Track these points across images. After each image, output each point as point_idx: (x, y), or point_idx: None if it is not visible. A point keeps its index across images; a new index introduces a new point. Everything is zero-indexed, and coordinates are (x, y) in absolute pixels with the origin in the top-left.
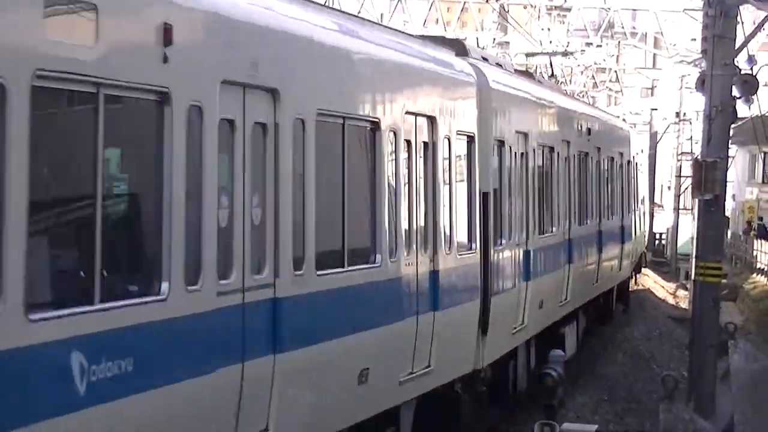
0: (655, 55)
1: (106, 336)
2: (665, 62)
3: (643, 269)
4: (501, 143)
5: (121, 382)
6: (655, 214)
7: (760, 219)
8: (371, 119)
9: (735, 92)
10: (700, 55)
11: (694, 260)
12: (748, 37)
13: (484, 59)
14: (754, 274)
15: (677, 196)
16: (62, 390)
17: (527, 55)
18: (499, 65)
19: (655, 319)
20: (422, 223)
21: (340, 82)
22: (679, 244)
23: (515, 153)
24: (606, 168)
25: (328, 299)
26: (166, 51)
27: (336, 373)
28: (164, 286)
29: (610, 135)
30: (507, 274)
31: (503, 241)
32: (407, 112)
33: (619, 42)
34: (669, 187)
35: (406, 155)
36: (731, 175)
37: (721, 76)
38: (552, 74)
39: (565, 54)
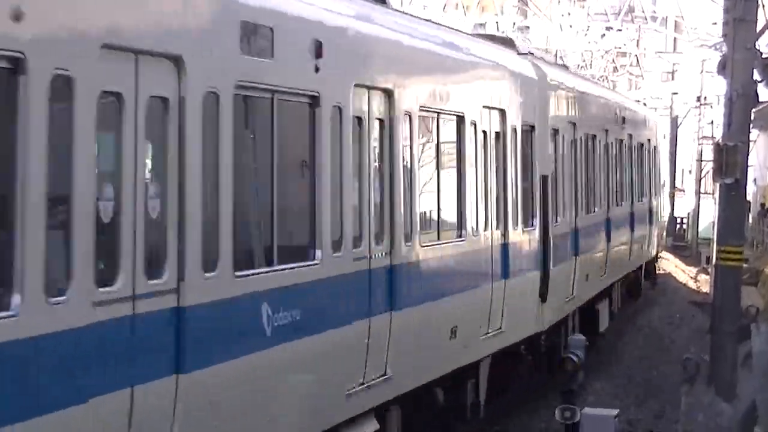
0: (675, 39)
1: None
2: (686, 46)
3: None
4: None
5: None
6: (676, 198)
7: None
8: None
9: (756, 76)
10: (721, 39)
11: (715, 244)
12: None
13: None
14: None
15: (698, 181)
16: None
17: None
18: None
19: (675, 303)
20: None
21: None
22: (700, 229)
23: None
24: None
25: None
26: None
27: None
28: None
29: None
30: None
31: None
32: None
33: (639, 26)
34: (690, 171)
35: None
36: (752, 159)
37: (742, 60)
38: None
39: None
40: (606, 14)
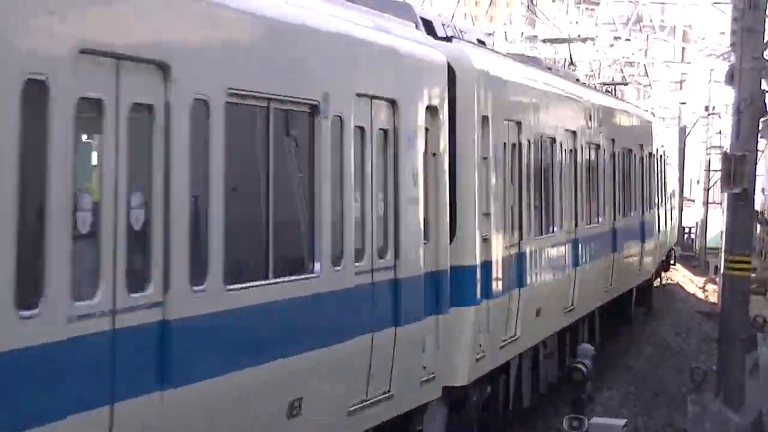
0: (683, 48)
1: None
2: (694, 56)
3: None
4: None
5: None
6: (684, 208)
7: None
8: None
9: (764, 85)
10: (729, 49)
11: (723, 254)
12: None
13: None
14: None
15: (706, 190)
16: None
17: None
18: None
19: (683, 313)
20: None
21: None
22: (708, 238)
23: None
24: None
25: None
26: None
27: None
28: None
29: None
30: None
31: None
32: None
33: (647, 35)
34: (698, 181)
35: None
36: (760, 168)
37: (750, 70)
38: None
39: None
40: (614, 23)
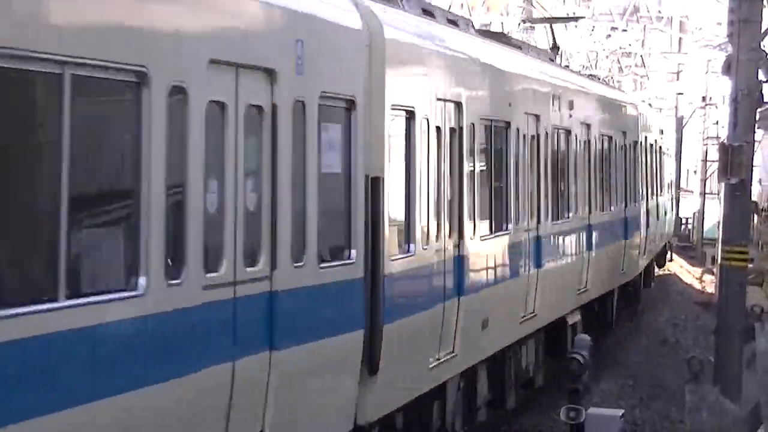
0: (680, 39)
1: None
2: (691, 46)
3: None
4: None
5: None
6: (681, 198)
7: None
8: None
9: (761, 76)
10: (726, 39)
11: (720, 245)
12: None
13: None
14: None
15: (703, 181)
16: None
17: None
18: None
19: (680, 304)
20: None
21: None
22: (705, 229)
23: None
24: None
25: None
26: None
27: None
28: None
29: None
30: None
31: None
32: None
33: (644, 26)
34: (695, 172)
35: None
36: (757, 159)
37: (747, 61)
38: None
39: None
40: (611, 14)
